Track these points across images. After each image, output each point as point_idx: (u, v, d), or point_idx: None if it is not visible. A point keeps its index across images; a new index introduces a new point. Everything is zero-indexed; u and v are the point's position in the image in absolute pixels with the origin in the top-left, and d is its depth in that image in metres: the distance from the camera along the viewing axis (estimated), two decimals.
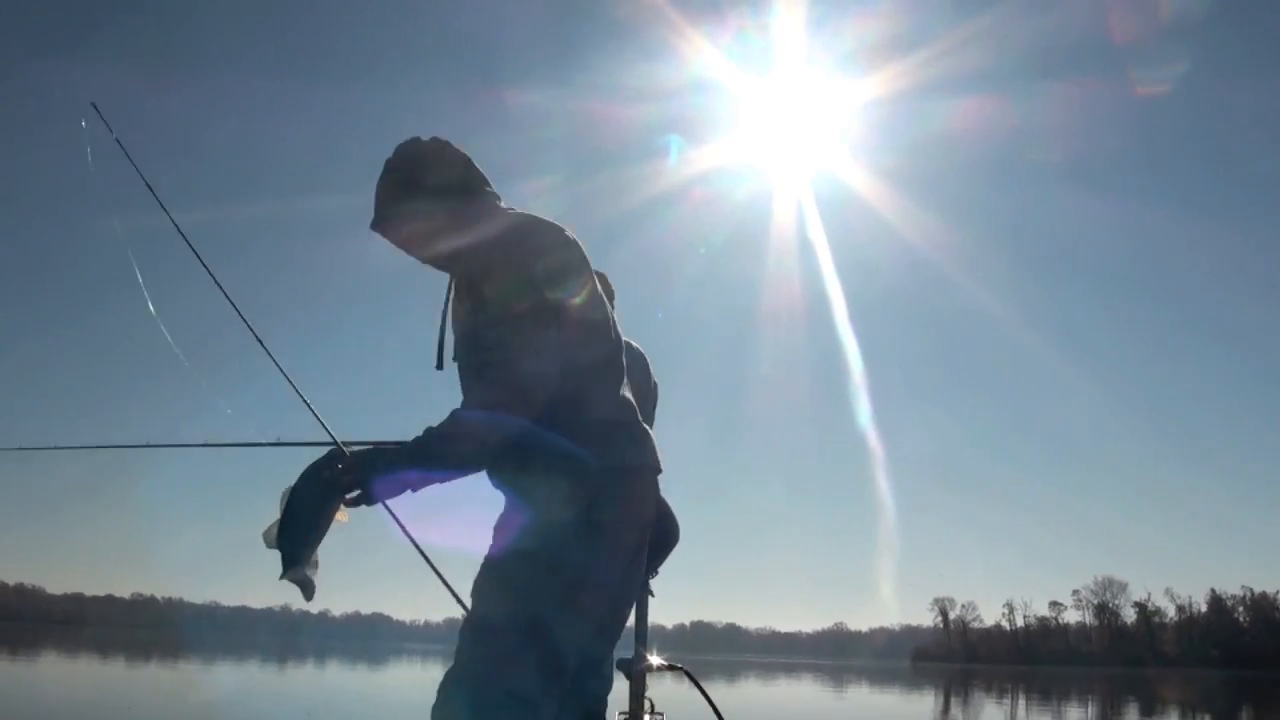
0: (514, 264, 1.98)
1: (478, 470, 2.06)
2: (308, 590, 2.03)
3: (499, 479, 2.11)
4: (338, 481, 1.94)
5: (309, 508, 1.98)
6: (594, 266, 2.91)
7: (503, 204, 2.19)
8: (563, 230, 2.08)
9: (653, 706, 3.30)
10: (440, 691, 1.89)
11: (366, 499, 1.96)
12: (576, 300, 2.03)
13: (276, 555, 1.98)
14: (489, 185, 2.20)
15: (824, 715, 16.94)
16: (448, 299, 2.20)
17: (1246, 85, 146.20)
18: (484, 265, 2.02)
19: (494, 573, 2.02)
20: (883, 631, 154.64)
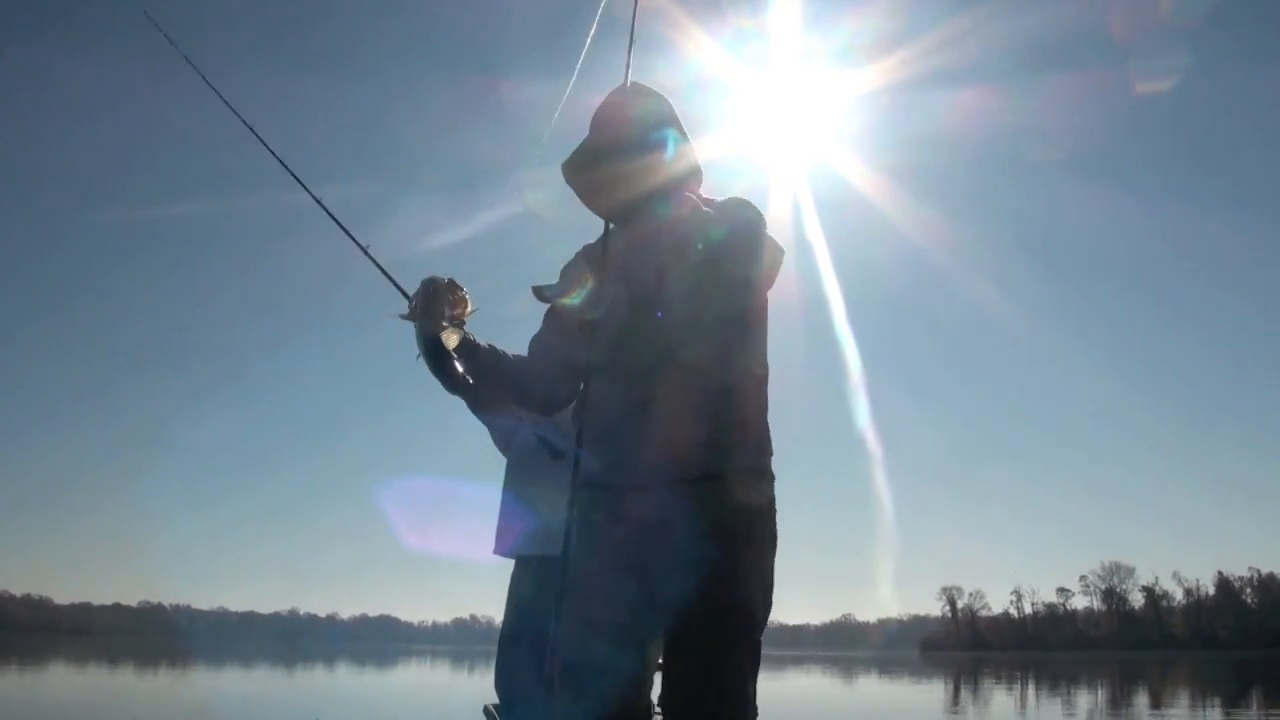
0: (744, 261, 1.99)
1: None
2: (428, 354, 2.06)
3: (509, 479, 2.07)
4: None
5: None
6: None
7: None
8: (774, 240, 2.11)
9: (652, 708, 3.25)
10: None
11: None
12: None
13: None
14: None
15: (834, 706, 16.90)
16: (605, 245, 2.15)
17: (1247, 79, 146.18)
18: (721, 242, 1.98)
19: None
20: (890, 622, 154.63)
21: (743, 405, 2.02)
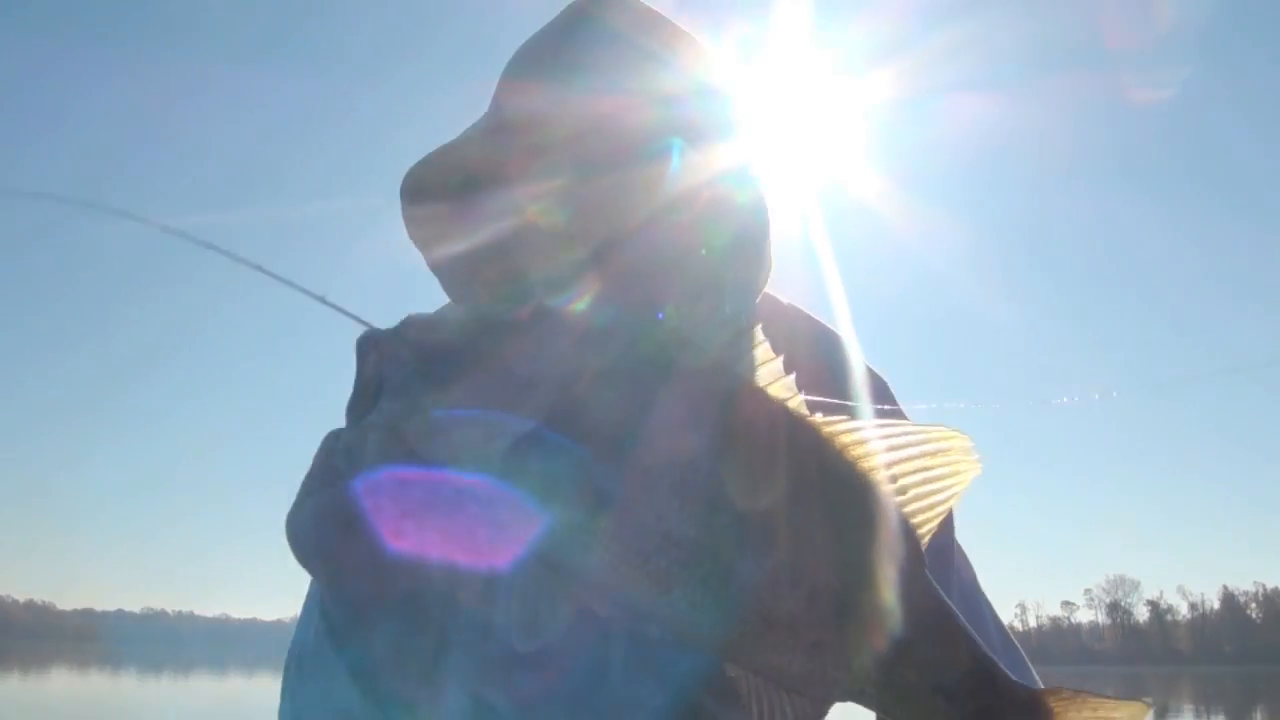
0: None
1: None
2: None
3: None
4: None
5: None
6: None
7: None
8: None
9: None
10: None
11: None
12: None
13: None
14: None
15: None
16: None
17: (1248, 85, 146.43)
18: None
19: None
20: None
21: None
